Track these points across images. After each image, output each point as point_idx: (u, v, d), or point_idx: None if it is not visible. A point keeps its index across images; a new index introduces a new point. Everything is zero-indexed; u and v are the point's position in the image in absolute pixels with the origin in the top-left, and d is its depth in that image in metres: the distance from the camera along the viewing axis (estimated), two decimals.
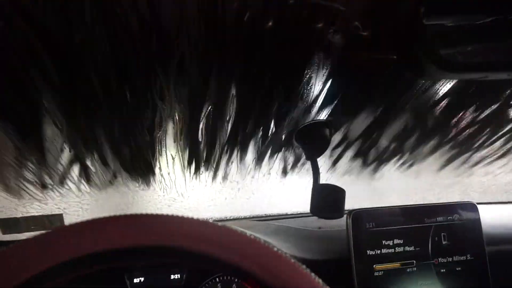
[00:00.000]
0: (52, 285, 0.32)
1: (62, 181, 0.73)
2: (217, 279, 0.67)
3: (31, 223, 0.75)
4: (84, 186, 0.78)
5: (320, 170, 0.67)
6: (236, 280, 0.68)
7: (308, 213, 1.00)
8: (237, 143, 0.72)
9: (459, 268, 0.65)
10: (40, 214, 0.83)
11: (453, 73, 0.45)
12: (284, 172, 0.94)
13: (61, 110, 0.52)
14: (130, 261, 0.33)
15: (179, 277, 0.65)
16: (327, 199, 0.61)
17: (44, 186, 0.78)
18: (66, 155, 0.66)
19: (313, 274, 0.31)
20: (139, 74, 0.47)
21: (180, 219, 0.31)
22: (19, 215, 0.83)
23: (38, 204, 0.83)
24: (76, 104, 0.51)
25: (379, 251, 0.62)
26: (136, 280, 0.64)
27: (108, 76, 0.47)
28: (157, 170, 0.80)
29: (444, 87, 0.60)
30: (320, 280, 0.31)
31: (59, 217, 0.79)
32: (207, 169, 0.85)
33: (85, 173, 0.72)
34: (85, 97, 0.50)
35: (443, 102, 0.66)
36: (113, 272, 0.63)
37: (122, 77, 0.48)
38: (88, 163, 0.68)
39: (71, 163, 0.68)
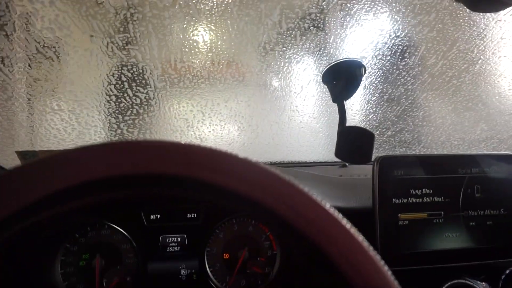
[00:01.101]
0: (70, 208, 0.30)
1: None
2: (234, 220, 0.66)
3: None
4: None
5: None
6: (252, 222, 0.67)
7: (327, 162, 0.97)
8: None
9: (490, 223, 0.61)
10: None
11: None
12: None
13: None
14: (145, 190, 0.31)
15: (195, 216, 0.65)
16: (355, 143, 0.56)
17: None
18: None
19: (339, 214, 0.28)
20: None
21: (202, 149, 0.28)
22: (38, 149, 0.83)
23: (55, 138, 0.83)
24: None
25: (406, 200, 0.58)
26: (152, 217, 0.63)
27: None
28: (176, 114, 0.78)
29: None
30: (347, 221, 0.28)
31: None
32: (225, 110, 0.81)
33: None
34: None
35: None
36: (130, 207, 0.63)
37: None
38: None
39: None
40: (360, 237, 0.28)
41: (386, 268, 0.27)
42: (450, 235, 0.60)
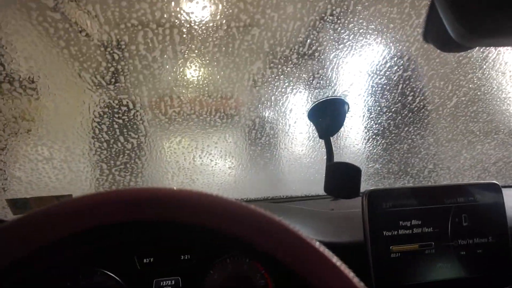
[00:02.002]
0: (62, 258, 0.31)
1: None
2: (228, 259, 0.66)
3: (40, 203, 0.74)
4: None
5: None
6: (247, 260, 0.66)
7: (319, 195, 0.98)
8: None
9: (480, 251, 0.62)
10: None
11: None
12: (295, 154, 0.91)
13: None
14: (137, 236, 0.31)
15: (189, 257, 0.64)
16: (342, 178, 0.58)
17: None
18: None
19: (329, 252, 0.29)
20: None
21: (195, 194, 0.29)
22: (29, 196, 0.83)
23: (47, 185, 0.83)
24: None
25: (396, 232, 0.59)
26: (145, 260, 0.63)
27: None
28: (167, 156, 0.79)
29: None
30: (338, 258, 0.29)
31: (68, 197, 0.78)
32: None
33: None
34: None
35: None
36: (122, 251, 0.62)
37: None
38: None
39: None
40: (353, 276, 0.29)
41: None
42: (442, 266, 0.61)
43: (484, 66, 0.74)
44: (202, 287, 0.64)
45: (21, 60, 0.63)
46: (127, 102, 0.72)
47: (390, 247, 0.59)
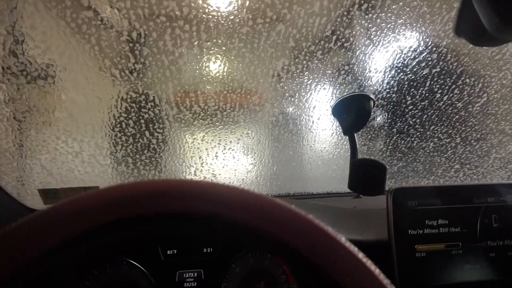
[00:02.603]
0: (89, 248, 0.32)
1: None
2: (249, 254, 0.66)
3: (70, 193, 0.77)
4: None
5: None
6: (268, 255, 0.67)
7: (341, 192, 0.98)
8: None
9: (511, 253, 0.60)
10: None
11: None
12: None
13: None
14: (162, 229, 0.32)
15: (211, 250, 0.65)
16: (367, 175, 0.57)
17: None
18: None
19: (355, 248, 0.29)
20: None
21: (223, 187, 0.30)
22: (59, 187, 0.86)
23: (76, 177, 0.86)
24: None
25: (422, 231, 0.58)
26: (169, 252, 0.64)
27: None
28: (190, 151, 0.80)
29: None
30: (364, 254, 0.29)
31: (95, 189, 0.81)
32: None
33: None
34: None
35: None
36: (147, 243, 0.64)
37: None
38: None
39: None
40: (377, 270, 0.28)
41: None
42: (470, 267, 0.59)
43: None
44: (224, 280, 0.65)
45: (53, 54, 0.65)
46: (153, 97, 0.74)
47: (416, 246, 0.58)
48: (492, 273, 0.59)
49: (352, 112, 0.65)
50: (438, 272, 0.58)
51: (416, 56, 0.66)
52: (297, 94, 0.77)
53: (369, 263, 0.28)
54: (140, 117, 0.77)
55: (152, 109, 0.77)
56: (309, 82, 0.72)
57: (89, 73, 0.68)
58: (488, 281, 0.59)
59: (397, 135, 0.82)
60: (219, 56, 0.68)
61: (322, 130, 0.86)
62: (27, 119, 0.74)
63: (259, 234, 0.30)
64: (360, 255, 0.29)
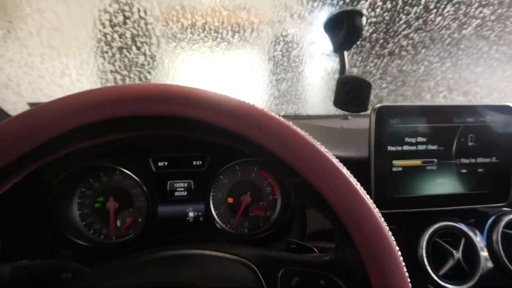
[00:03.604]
0: (80, 153, 0.32)
1: None
2: (237, 166, 0.70)
3: None
4: None
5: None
6: (255, 168, 0.70)
7: (331, 114, 0.99)
8: None
9: (481, 170, 0.64)
10: None
11: None
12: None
13: None
14: (148, 130, 0.32)
15: (200, 163, 0.68)
16: (352, 92, 0.58)
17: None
18: None
19: (336, 160, 0.30)
20: None
21: (207, 92, 0.30)
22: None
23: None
24: None
25: (400, 148, 0.61)
26: (160, 164, 0.67)
27: None
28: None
29: None
30: (340, 163, 0.30)
31: None
32: None
33: None
34: None
35: None
36: (139, 154, 0.66)
37: None
38: None
39: None
40: (348, 174, 0.30)
41: (371, 202, 0.30)
42: (442, 181, 0.63)
43: None
44: (212, 190, 0.69)
45: None
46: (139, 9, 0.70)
47: (393, 162, 0.61)
48: (461, 187, 0.63)
49: (343, 29, 0.63)
50: (411, 185, 0.62)
51: None
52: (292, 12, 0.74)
53: (350, 176, 0.30)
54: (127, 31, 0.75)
55: (138, 23, 0.74)
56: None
57: None
58: (456, 194, 0.63)
59: (388, 56, 0.81)
60: None
61: (316, 51, 0.85)
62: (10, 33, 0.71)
63: (245, 143, 0.31)
64: (334, 159, 0.30)
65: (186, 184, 0.68)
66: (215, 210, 0.69)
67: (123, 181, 0.66)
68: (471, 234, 0.61)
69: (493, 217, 0.65)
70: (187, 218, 0.68)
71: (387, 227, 0.30)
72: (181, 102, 0.29)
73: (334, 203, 0.30)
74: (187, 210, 0.68)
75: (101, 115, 0.28)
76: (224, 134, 0.31)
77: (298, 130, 0.30)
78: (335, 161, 0.30)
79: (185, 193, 0.68)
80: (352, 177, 0.30)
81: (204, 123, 0.29)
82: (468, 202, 0.64)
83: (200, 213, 0.68)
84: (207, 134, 0.32)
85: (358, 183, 0.30)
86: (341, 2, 0.68)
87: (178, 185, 0.68)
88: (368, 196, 0.30)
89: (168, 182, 0.68)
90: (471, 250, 0.60)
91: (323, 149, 0.30)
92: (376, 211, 0.30)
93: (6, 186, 0.29)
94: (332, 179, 0.29)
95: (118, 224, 0.65)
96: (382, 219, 0.30)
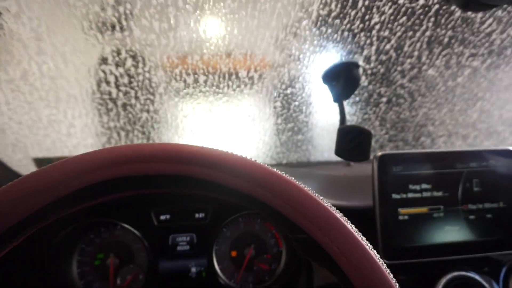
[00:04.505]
0: (81, 212, 0.32)
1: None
2: (240, 218, 0.69)
3: None
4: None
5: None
6: (258, 220, 0.69)
7: (333, 160, 0.99)
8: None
9: (489, 216, 0.62)
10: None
11: None
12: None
13: None
14: (152, 190, 0.33)
15: (203, 216, 0.67)
16: (353, 141, 0.59)
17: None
18: None
19: (341, 214, 0.30)
20: None
21: (207, 150, 0.30)
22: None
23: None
24: None
25: (405, 195, 0.60)
26: (162, 217, 0.66)
27: None
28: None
29: None
30: (345, 218, 0.30)
31: None
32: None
33: None
34: None
35: None
36: (140, 209, 0.66)
37: None
38: None
39: None
40: (353, 229, 0.30)
41: (378, 258, 0.29)
42: (450, 229, 0.61)
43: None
44: (215, 243, 0.67)
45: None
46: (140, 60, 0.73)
47: (398, 210, 0.60)
48: (471, 234, 0.62)
49: (341, 80, 0.65)
50: (419, 234, 0.60)
51: (405, 25, 0.66)
52: (291, 63, 0.77)
53: (343, 221, 0.30)
54: (129, 85, 0.77)
55: (141, 75, 0.76)
56: (304, 50, 0.72)
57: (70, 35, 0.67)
58: (467, 241, 0.61)
59: (386, 104, 0.83)
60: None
61: (316, 100, 0.87)
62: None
63: (247, 199, 0.31)
64: (337, 214, 0.30)
65: (188, 238, 0.67)
66: (218, 265, 0.67)
67: (124, 236, 0.65)
68: (485, 284, 0.59)
69: (507, 266, 0.63)
70: (189, 274, 0.66)
71: (396, 284, 0.29)
72: (205, 164, 0.30)
73: (340, 261, 0.29)
74: (190, 265, 0.66)
75: (114, 174, 0.29)
76: (228, 191, 0.31)
77: (302, 186, 0.30)
78: (340, 216, 0.30)
79: (188, 247, 0.66)
80: (358, 232, 0.30)
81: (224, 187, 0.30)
82: (479, 250, 0.62)
83: (202, 268, 0.66)
84: (211, 191, 0.32)
85: (364, 238, 0.29)
86: (340, 52, 0.71)
87: (180, 239, 0.66)
88: (375, 251, 0.29)
89: (170, 236, 0.66)
90: None
91: (327, 205, 0.30)
92: (384, 267, 0.29)
93: (5, 250, 0.29)
94: (337, 236, 0.29)
95: (118, 282, 0.63)
96: (391, 275, 0.29)
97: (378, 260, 0.29)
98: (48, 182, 0.27)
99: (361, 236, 0.30)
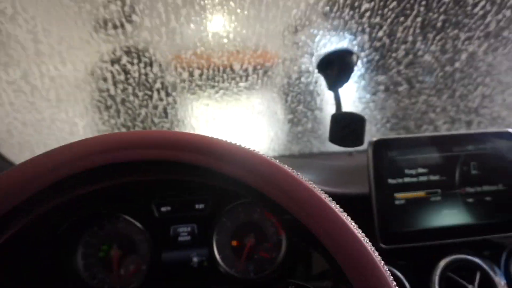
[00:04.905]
0: (83, 200, 0.33)
1: None
2: (239, 208, 0.70)
3: None
4: None
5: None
6: (257, 209, 0.70)
7: (338, 151, 1.00)
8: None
9: (488, 198, 0.62)
10: None
11: None
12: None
13: None
14: (153, 176, 0.34)
15: (203, 206, 0.68)
16: (346, 127, 0.59)
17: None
18: None
19: (325, 195, 0.30)
20: None
21: (208, 139, 0.31)
22: None
23: None
24: None
25: (401, 180, 0.60)
26: (163, 209, 0.68)
27: None
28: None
29: None
30: (330, 198, 0.30)
31: None
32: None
33: None
34: None
35: None
36: (141, 201, 0.67)
37: None
38: None
39: None
40: (338, 209, 0.30)
41: (363, 237, 0.29)
42: (449, 212, 0.61)
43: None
44: (215, 233, 0.68)
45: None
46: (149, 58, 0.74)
47: (395, 195, 0.60)
48: (470, 217, 0.61)
49: (335, 68, 0.65)
50: (416, 218, 0.60)
51: (398, 8, 0.65)
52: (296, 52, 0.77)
53: (334, 207, 0.30)
54: (136, 79, 0.78)
55: (147, 72, 0.78)
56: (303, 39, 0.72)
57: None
58: (466, 224, 0.61)
59: (385, 92, 0.82)
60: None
61: (319, 89, 0.87)
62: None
63: (246, 189, 0.31)
64: (332, 204, 0.30)
65: (189, 228, 0.68)
66: (219, 254, 0.68)
67: (126, 228, 0.67)
68: (485, 267, 0.58)
69: (508, 249, 0.63)
70: (191, 264, 0.67)
71: (382, 263, 0.29)
72: (205, 151, 0.30)
73: (326, 243, 0.29)
74: (191, 255, 0.67)
75: (125, 158, 0.30)
76: (220, 177, 0.31)
77: (285, 167, 0.30)
78: (324, 197, 0.30)
79: (189, 237, 0.68)
80: (344, 213, 0.30)
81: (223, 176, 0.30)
82: (479, 233, 0.62)
83: (204, 258, 0.67)
84: (203, 177, 0.33)
85: (349, 218, 0.30)
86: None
87: (181, 229, 0.68)
88: (360, 230, 0.30)
89: (171, 227, 0.68)
90: (487, 283, 0.57)
91: (312, 186, 0.30)
92: (369, 245, 0.29)
93: (13, 229, 0.30)
94: (321, 216, 0.29)
95: (122, 272, 0.65)
96: (377, 254, 0.29)
97: (362, 239, 0.29)
98: (50, 163, 0.28)
99: (346, 215, 0.30)
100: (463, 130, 0.72)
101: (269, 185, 0.30)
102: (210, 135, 0.32)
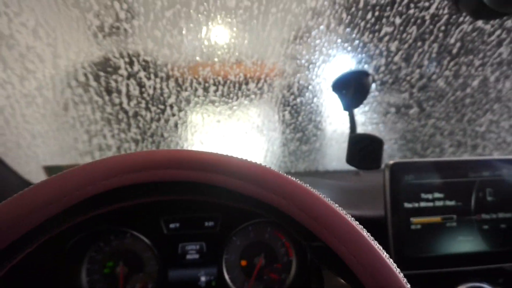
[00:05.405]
0: (93, 219, 0.32)
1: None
2: (250, 227, 0.68)
3: None
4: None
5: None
6: (268, 229, 0.69)
7: (343, 170, 0.99)
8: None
9: (504, 226, 0.62)
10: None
11: None
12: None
13: None
14: (163, 197, 0.33)
15: (213, 224, 0.67)
16: (364, 149, 0.58)
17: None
18: None
19: (356, 223, 0.30)
20: None
21: (225, 157, 0.30)
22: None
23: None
24: None
25: (417, 204, 0.60)
26: (172, 226, 0.66)
27: None
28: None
29: None
30: (361, 226, 0.30)
31: None
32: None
33: None
34: None
35: None
36: (150, 217, 0.65)
37: None
38: None
39: None
40: (370, 238, 0.29)
41: (395, 267, 0.29)
42: (464, 239, 0.61)
43: None
44: (224, 252, 0.67)
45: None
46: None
47: (411, 219, 0.59)
48: (485, 244, 0.61)
49: (351, 88, 0.65)
50: (432, 244, 0.60)
51: (416, 34, 0.66)
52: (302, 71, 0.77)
53: (361, 229, 0.29)
54: (142, 100, 0.78)
55: (152, 86, 0.77)
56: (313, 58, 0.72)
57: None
58: (481, 252, 0.60)
59: (395, 114, 0.83)
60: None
61: (327, 108, 0.87)
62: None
63: (259, 204, 0.31)
64: (354, 223, 0.29)
65: (198, 246, 0.66)
66: (228, 274, 0.66)
67: (133, 244, 0.65)
68: None
69: None
70: (199, 283, 0.65)
71: None
72: (217, 170, 0.29)
73: (357, 269, 0.28)
74: (199, 274, 0.65)
75: (131, 181, 0.29)
76: (242, 198, 0.31)
77: (318, 194, 0.30)
78: (356, 225, 0.29)
79: (197, 256, 0.66)
80: (374, 240, 0.29)
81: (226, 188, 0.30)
82: (494, 261, 0.61)
83: (212, 278, 0.65)
84: (224, 198, 0.32)
85: (380, 246, 0.29)
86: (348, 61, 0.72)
87: (189, 247, 0.66)
88: (391, 259, 0.29)
89: (180, 245, 0.66)
90: None
91: (344, 213, 0.29)
92: (401, 275, 0.28)
93: (19, 256, 0.29)
94: (354, 245, 0.29)
95: None
96: (408, 285, 0.28)
97: (395, 269, 0.28)
98: (63, 188, 0.27)
99: (377, 244, 0.29)
100: (476, 156, 0.72)
101: (302, 213, 0.29)
102: (233, 155, 0.31)
